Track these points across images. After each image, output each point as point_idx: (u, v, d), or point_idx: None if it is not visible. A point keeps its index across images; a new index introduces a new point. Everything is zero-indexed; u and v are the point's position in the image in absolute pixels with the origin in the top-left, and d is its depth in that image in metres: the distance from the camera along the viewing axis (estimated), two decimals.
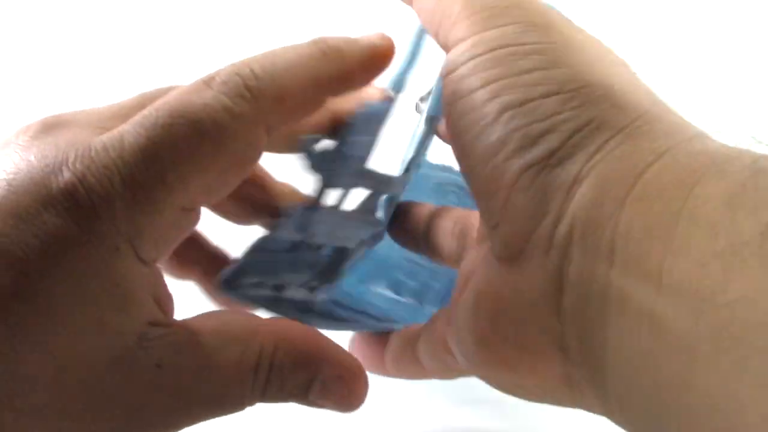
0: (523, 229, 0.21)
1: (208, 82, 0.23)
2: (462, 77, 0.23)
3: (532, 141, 0.21)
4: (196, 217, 0.24)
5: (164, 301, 0.24)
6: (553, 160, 0.21)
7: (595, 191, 0.20)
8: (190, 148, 0.22)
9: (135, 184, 0.21)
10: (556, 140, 0.21)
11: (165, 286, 0.25)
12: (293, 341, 0.25)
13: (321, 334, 0.26)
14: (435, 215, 0.32)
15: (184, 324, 0.24)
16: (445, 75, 0.23)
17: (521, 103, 0.21)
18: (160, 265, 0.25)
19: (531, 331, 0.21)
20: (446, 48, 0.24)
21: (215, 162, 0.23)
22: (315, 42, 0.25)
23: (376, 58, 0.27)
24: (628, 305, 0.18)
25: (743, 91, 0.57)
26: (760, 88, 0.57)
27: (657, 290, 0.18)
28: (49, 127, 0.23)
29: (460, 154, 0.23)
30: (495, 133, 0.22)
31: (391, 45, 0.27)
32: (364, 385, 0.26)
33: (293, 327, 0.26)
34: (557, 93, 0.21)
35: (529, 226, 0.21)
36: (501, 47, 0.22)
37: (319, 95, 0.26)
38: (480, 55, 0.22)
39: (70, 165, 0.21)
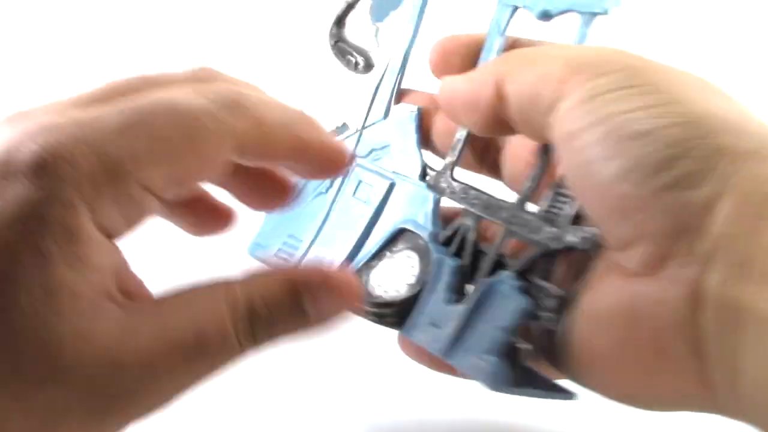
0: (663, 246, 0.23)
1: (198, 89, 0.25)
2: (577, 118, 0.24)
3: (666, 165, 0.23)
4: (155, 207, 0.24)
5: (129, 284, 0.25)
6: (688, 182, 0.22)
7: (734, 208, 0.22)
8: (166, 136, 0.23)
9: (104, 154, 0.22)
10: (689, 164, 0.22)
11: (131, 270, 0.26)
12: (263, 281, 0.25)
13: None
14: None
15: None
16: (559, 121, 0.25)
17: (648, 133, 0.23)
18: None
19: (670, 338, 0.22)
20: (553, 107, 0.25)
21: (185, 156, 0.24)
22: (302, 111, 0.28)
23: (334, 162, 0.28)
24: (765, 312, 0.20)
25: None
26: None
27: None
28: (17, 116, 0.24)
29: (580, 184, 0.25)
30: (620, 163, 0.23)
31: (345, 163, 0.29)
32: (350, 277, 0.26)
33: (260, 272, 0.26)
34: (681, 124, 0.23)
35: (669, 243, 0.23)
36: (617, 89, 0.24)
37: (291, 147, 0.27)
38: (598, 96, 0.24)
39: (38, 138, 0.22)
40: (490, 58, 0.32)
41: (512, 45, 0.31)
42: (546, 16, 0.31)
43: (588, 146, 0.24)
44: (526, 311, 0.27)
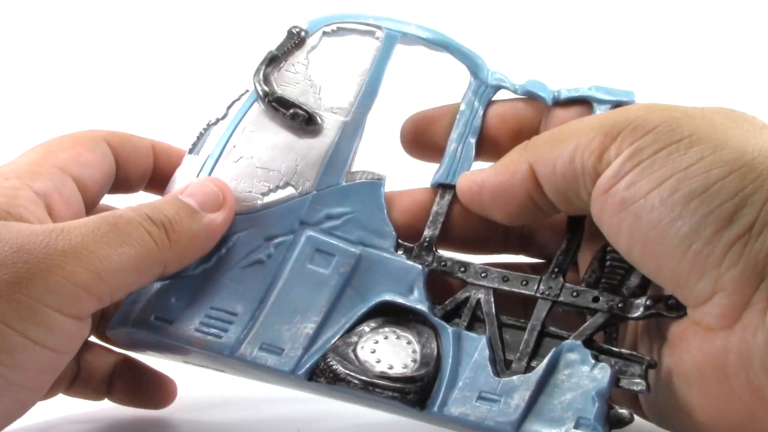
0: (741, 297, 0.24)
1: None
2: (629, 184, 0.25)
3: (729, 219, 0.24)
4: (72, 185, 0.31)
5: None
6: (755, 230, 0.24)
7: None
8: (60, 142, 0.32)
9: (26, 158, 0.31)
10: (751, 213, 0.24)
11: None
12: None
13: None
14: None
15: None
16: (607, 189, 0.26)
17: (704, 190, 0.24)
18: None
19: (764, 382, 0.24)
20: (595, 177, 0.26)
21: (74, 148, 0.32)
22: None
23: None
24: None
25: None
26: None
27: None
28: None
29: (645, 254, 0.26)
30: (687, 224, 0.24)
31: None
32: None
33: None
34: (732, 172, 0.24)
35: (746, 294, 0.24)
36: (661, 149, 0.25)
37: None
38: (644, 160, 0.25)
39: None
40: (464, 132, 0.32)
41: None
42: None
43: (651, 210, 0.25)
44: (614, 376, 0.27)
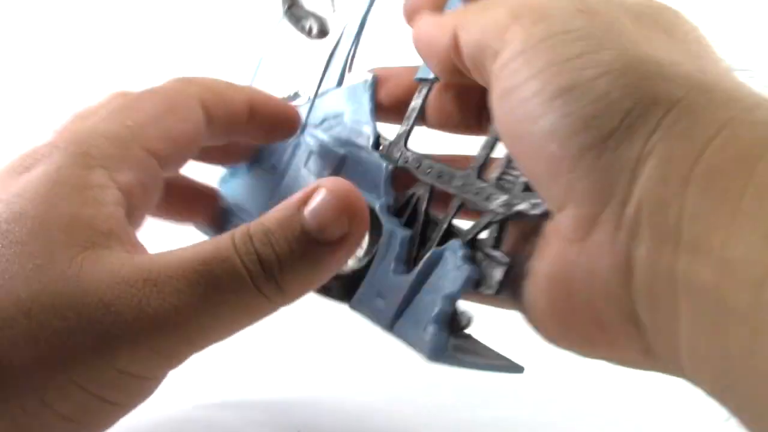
0: (590, 211, 0.21)
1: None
2: (512, 72, 0.23)
3: (586, 124, 0.21)
4: (158, 173, 0.28)
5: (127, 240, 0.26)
6: (612, 141, 0.21)
7: (658, 171, 0.20)
8: (150, 109, 0.28)
9: (110, 133, 0.27)
10: (610, 121, 0.21)
11: (130, 230, 0.26)
12: (261, 223, 0.25)
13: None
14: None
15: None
16: (497, 75, 0.24)
17: (571, 88, 0.22)
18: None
19: (606, 311, 0.22)
20: (495, 57, 0.24)
21: (168, 119, 0.28)
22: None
23: (285, 121, 0.33)
24: (694, 282, 0.19)
25: None
26: None
27: (720, 267, 0.18)
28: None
29: (514, 145, 0.24)
30: (548, 121, 0.22)
31: (296, 122, 0.33)
32: (343, 183, 0.26)
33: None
34: (606, 74, 0.21)
35: (596, 208, 0.21)
36: (548, 38, 0.23)
37: (244, 109, 0.31)
38: (529, 48, 0.23)
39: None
40: (454, 7, 0.30)
41: None
42: None
43: (519, 104, 0.23)
44: (470, 279, 0.26)
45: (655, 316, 0.21)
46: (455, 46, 0.26)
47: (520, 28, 0.24)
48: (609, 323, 0.22)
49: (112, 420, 0.25)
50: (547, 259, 0.23)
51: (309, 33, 0.34)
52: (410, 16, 0.30)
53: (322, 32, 0.34)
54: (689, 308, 0.19)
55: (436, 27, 0.28)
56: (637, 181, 0.21)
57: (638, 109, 0.21)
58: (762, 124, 0.20)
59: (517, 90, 0.23)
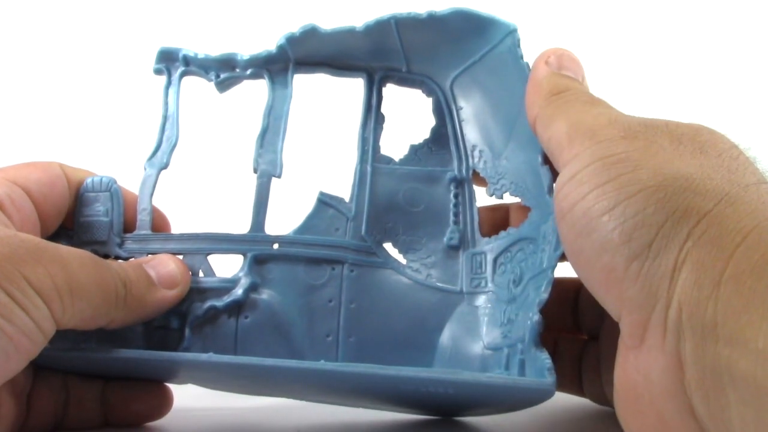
0: (640, 317, 0.24)
1: None
2: (565, 196, 0.27)
3: (629, 237, 0.24)
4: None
5: None
6: (651, 251, 0.24)
7: (693, 275, 0.23)
8: None
9: None
10: (648, 233, 0.24)
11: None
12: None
13: None
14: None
15: None
16: (556, 196, 0.28)
17: (613, 207, 0.25)
18: None
19: (667, 407, 0.24)
20: (561, 166, 0.29)
21: None
22: None
23: None
24: (735, 373, 0.21)
25: None
26: None
27: (755, 358, 0.21)
28: None
29: (575, 259, 0.27)
30: (599, 235, 0.25)
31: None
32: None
33: None
34: (641, 191, 0.25)
35: (644, 313, 0.24)
36: (593, 162, 0.26)
37: None
38: (577, 173, 0.27)
39: None
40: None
41: None
42: None
43: (575, 223, 0.26)
44: None
45: (708, 408, 0.22)
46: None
47: (570, 154, 0.27)
48: (671, 419, 0.24)
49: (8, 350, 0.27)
50: (617, 368, 0.26)
51: None
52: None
53: None
54: (736, 398, 0.21)
55: (536, 97, 0.31)
56: (675, 286, 0.23)
57: (671, 221, 0.24)
58: None
59: (572, 211, 0.26)
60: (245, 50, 0.38)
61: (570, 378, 0.37)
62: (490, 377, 0.30)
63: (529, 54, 0.34)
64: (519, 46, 0.35)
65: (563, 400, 0.37)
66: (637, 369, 0.24)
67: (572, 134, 0.28)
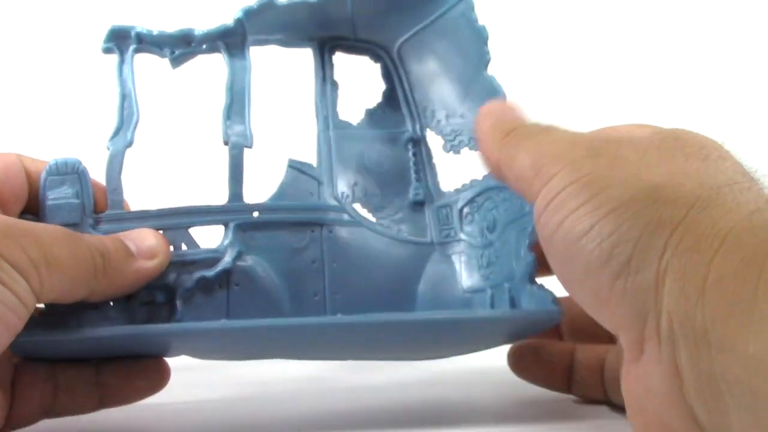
0: (635, 333, 0.25)
1: None
2: (543, 225, 0.27)
3: (609, 256, 0.25)
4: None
5: None
6: (632, 268, 0.24)
7: (677, 285, 0.23)
8: None
9: None
10: (626, 249, 0.24)
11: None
12: None
13: None
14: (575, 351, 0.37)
15: None
16: (536, 224, 0.28)
17: (589, 229, 0.25)
18: None
19: (672, 417, 0.24)
20: (533, 197, 0.28)
21: None
22: None
23: None
24: (729, 378, 0.22)
25: None
26: None
27: (746, 363, 0.21)
28: None
29: (565, 282, 0.28)
30: (582, 260, 0.25)
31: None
32: None
33: None
34: (613, 210, 0.25)
35: (638, 329, 0.24)
36: (563, 189, 0.26)
37: None
38: (550, 204, 0.27)
39: None
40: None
41: None
42: None
43: (558, 250, 0.27)
44: None
45: (709, 415, 0.23)
46: (500, 171, 0.31)
47: (540, 183, 0.27)
48: (675, 428, 0.24)
49: None
50: (622, 382, 0.26)
51: None
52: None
53: None
54: (734, 404, 0.22)
55: (490, 140, 0.31)
56: (662, 298, 0.24)
57: (646, 235, 0.24)
58: (761, 228, 0.23)
59: (553, 239, 0.27)
60: (200, 26, 0.38)
61: (591, 383, 0.37)
62: (503, 311, 0.33)
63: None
64: (473, 10, 0.37)
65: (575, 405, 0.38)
66: (638, 381, 0.25)
67: (537, 165, 0.28)
